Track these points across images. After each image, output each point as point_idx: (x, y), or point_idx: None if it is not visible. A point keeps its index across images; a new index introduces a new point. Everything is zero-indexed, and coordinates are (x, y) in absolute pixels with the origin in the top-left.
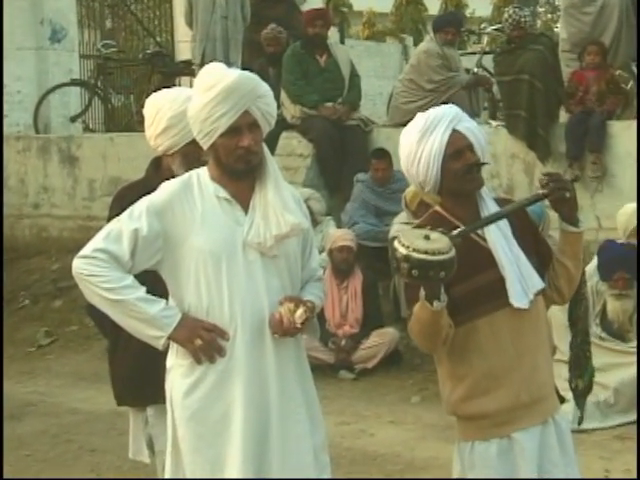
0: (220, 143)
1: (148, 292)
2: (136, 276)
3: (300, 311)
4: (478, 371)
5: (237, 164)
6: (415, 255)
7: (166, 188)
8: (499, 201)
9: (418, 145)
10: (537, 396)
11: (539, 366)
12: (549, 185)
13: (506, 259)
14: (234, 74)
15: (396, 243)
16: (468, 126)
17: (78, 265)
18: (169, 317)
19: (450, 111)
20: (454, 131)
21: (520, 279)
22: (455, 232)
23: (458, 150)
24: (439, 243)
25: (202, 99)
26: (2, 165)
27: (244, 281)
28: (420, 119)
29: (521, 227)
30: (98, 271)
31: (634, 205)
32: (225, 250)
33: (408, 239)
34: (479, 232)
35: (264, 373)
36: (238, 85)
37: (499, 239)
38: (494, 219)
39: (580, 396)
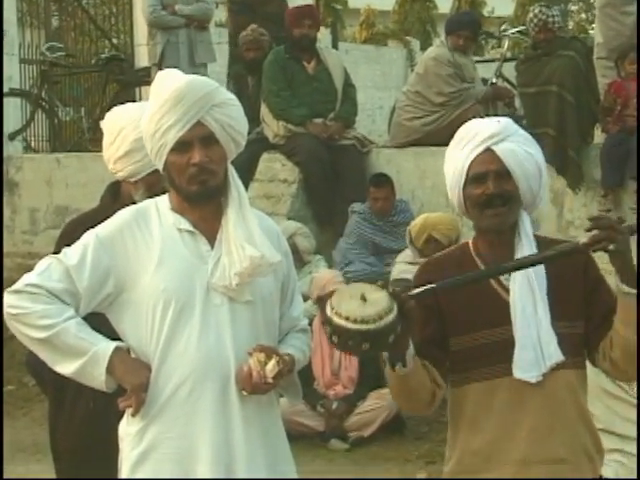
0: (171, 161)
1: None
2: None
3: (272, 363)
4: (464, 446)
5: (190, 185)
6: (335, 319)
7: (118, 217)
8: (543, 243)
9: (447, 160)
10: None
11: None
12: (593, 233)
13: (523, 318)
14: (184, 78)
15: (330, 299)
16: (512, 148)
17: (7, 301)
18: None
19: (495, 125)
20: (487, 150)
21: (535, 346)
22: (418, 290)
23: (479, 175)
24: (371, 308)
25: (151, 109)
26: None
27: (206, 329)
28: (462, 128)
29: (564, 283)
30: (29, 306)
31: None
32: (185, 293)
33: (340, 296)
34: (502, 279)
35: (229, 440)
36: (188, 91)
37: (524, 293)
38: (490, 274)
39: None
